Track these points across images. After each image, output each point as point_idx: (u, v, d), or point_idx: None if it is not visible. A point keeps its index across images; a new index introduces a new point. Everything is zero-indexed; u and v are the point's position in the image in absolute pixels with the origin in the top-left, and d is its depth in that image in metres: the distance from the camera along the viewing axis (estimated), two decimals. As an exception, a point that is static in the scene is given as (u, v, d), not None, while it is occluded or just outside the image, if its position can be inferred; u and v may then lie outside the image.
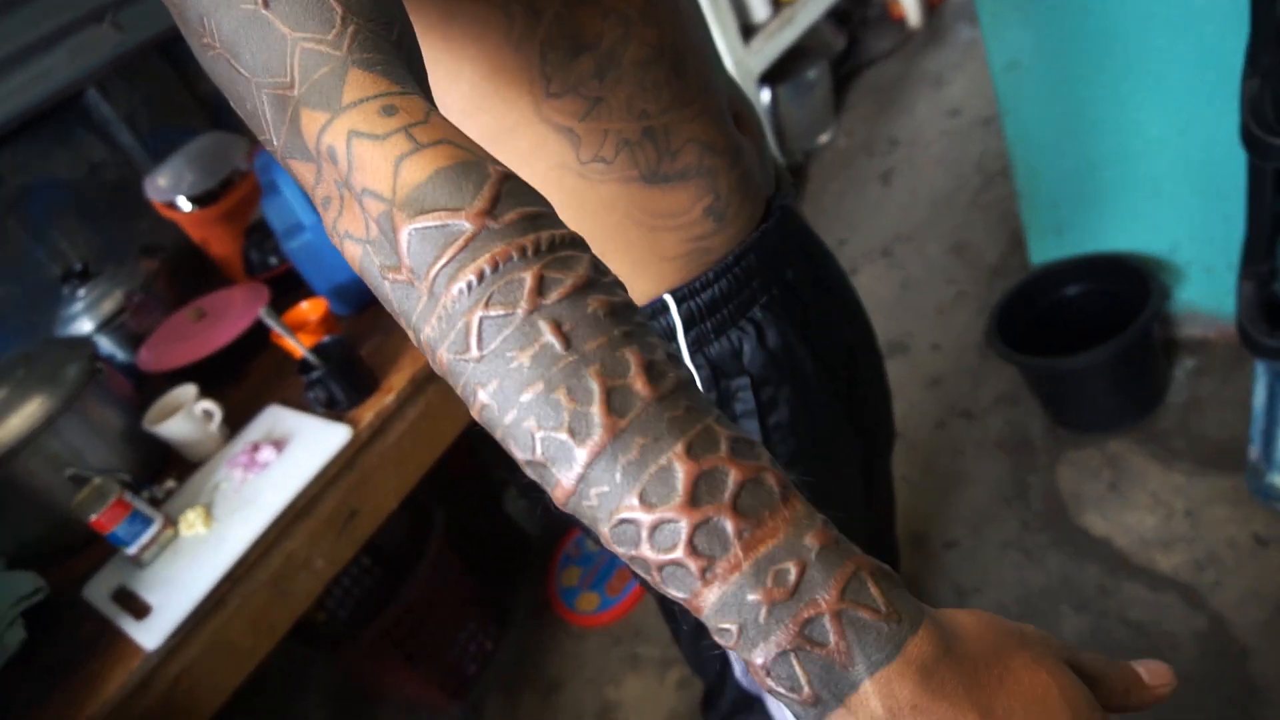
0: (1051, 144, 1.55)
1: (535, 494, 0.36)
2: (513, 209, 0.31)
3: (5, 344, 1.65)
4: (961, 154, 2.50)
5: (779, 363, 0.67)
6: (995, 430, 1.73)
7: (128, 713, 1.03)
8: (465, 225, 0.31)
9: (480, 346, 0.31)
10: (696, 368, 0.66)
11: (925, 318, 2.06)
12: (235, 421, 1.34)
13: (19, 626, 1.15)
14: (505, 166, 0.33)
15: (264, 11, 0.34)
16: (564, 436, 0.30)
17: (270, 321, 1.24)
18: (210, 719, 1.13)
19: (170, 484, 1.28)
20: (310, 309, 1.42)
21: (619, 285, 0.33)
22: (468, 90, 0.53)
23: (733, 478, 0.30)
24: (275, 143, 0.35)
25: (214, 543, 1.14)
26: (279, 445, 1.24)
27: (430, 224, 0.31)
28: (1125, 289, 1.54)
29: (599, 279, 0.32)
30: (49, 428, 1.19)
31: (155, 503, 1.23)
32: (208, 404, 1.29)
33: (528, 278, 0.30)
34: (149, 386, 1.45)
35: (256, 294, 1.49)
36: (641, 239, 0.60)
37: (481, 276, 0.31)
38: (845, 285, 0.84)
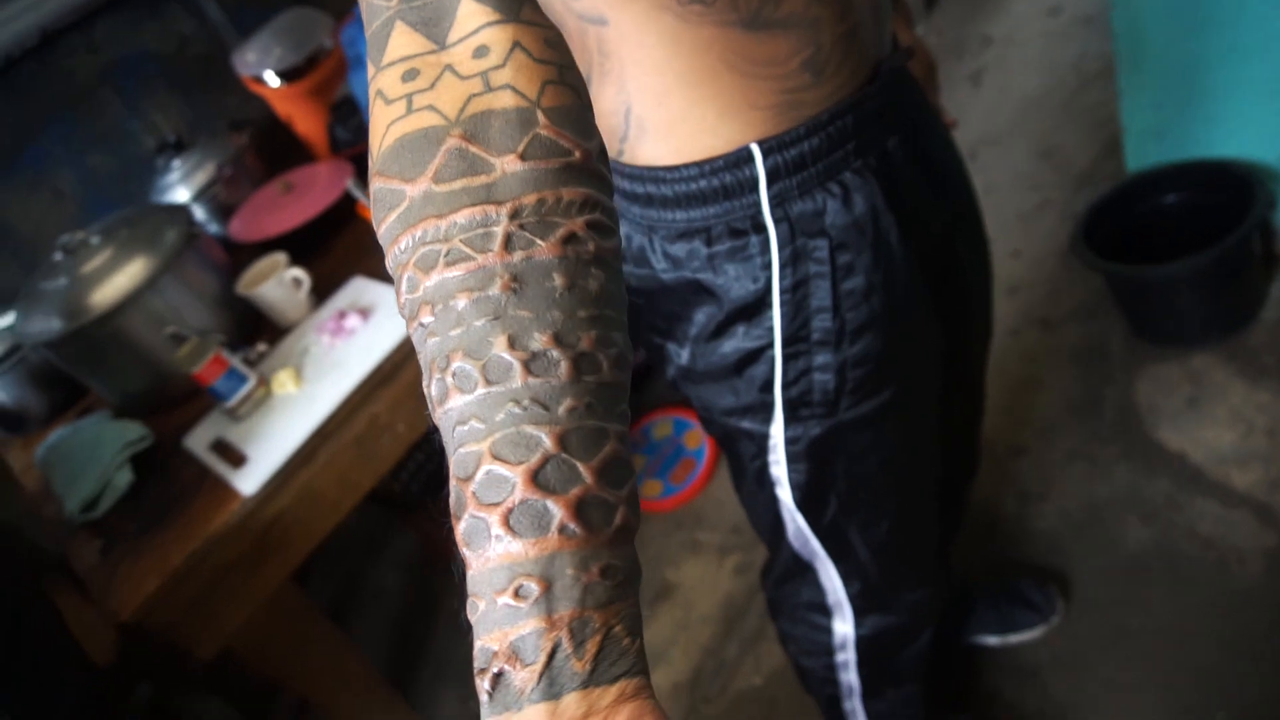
0: (1161, 39, 1.47)
1: None
2: (457, 178, 0.32)
3: (104, 214, 1.72)
4: (1059, 55, 2.38)
5: (862, 229, 0.65)
6: (1072, 340, 1.70)
7: (227, 551, 1.11)
8: (404, 190, 0.33)
9: (411, 294, 0.33)
10: (775, 221, 0.64)
11: (1006, 224, 2.00)
12: (322, 290, 1.39)
13: (127, 469, 1.24)
14: (472, 118, 0.33)
15: None
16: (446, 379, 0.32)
17: (359, 194, 1.26)
18: (300, 564, 1.21)
19: (262, 347, 1.35)
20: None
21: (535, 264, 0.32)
22: None
23: (576, 491, 0.30)
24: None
25: (304, 402, 1.20)
26: (364, 314, 1.28)
27: (382, 186, 0.34)
28: (1226, 198, 1.47)
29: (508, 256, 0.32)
30: (151, 286, 1.25)
31: (249, 363, 1.30)
32: (297, 271, 1.33)
33: (441, 249, 0.32)
34: (239, 256, 1.50)
35: (341, 170, 1.52)
36: (733, 84, 0.59)
37: (412, 240, 0.33)
38: (954, 168, 0.81)
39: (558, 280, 0.32)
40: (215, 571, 1.12)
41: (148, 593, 1.06)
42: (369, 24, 0.36)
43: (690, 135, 0.62)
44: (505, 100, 0.33)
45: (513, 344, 0.31)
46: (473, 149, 0.32)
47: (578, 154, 0.34)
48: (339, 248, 1.52)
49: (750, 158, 0.62)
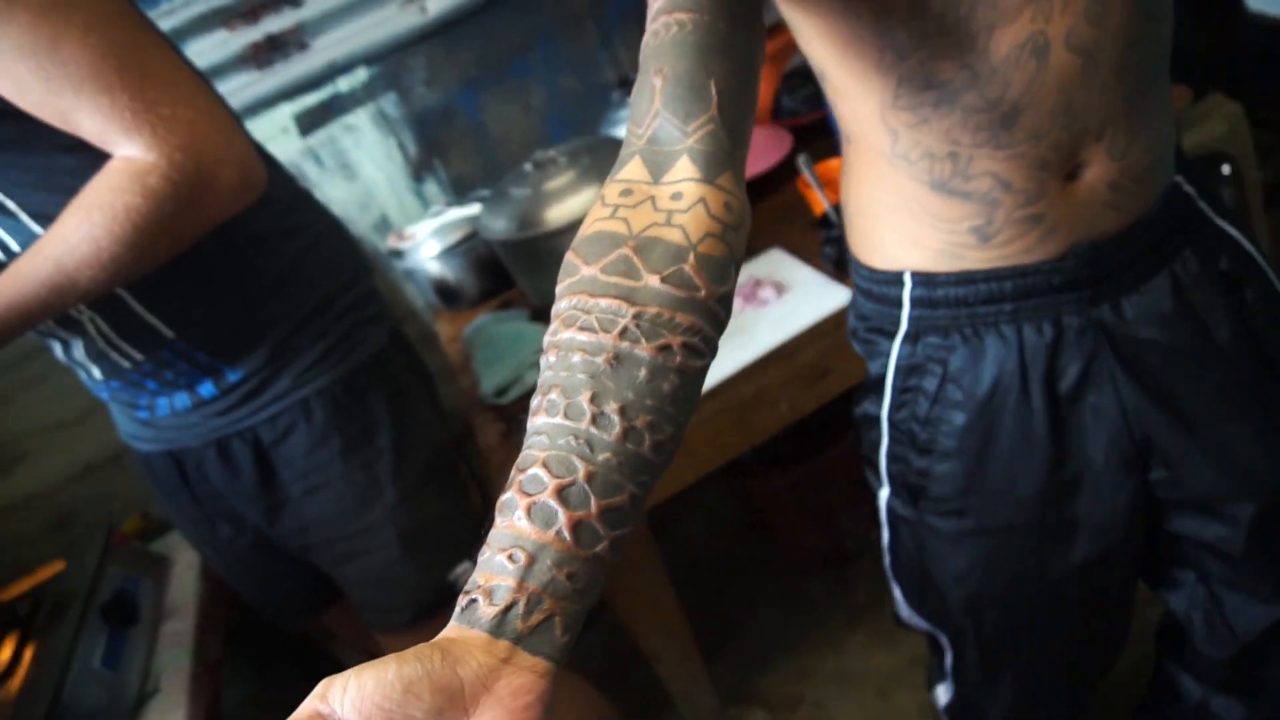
0: None
1: None
2: (615, 275, 0.44)
3: (559, 132, 1.90)
4: None
5: (978, 378, 0.74)
6: None
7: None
8: (580, 268, 0.45)
9: (551, 336, 0.45)
10: (904, 338, 0.77)
11: None
12: (739, 253, 1.42)
13: (537, 369, 1.37)
14: (645, 239, 0.45)
15: (654, 79, 0.49)
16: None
17: (805, 168, 1.27)
18: (655, 504, 1.28)
19: (672, 292, 1.42)
20: (838, 167, 1.44)
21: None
22: (838, 79, 0.69)
23: (584, 519, 0.40)
24: None
25: (707, 357, 1.24)
26: (779, 288, 1.30)
27: (571, 259, 0.46)
28: None
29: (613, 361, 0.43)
30: (601, 213, 1.36)
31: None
32: (726, 231, 1.38)
33: (581, 316, 0.44)
34: (668, 199, 1.58)
35: (780, 138, 1.54)
36: (909, 221, 0.72)
37: (570, 303, 0.45)
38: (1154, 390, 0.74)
39: (642, 373, 0.43)
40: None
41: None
42: (628, 139, 0.50)
43: (871, 245, 0.77)
44: (674, 235, 0.45)
45: (593, 400, 0.42)
46: (635, 260, 0.44)
47: (703, 293, 0.44)
48: (764, 213, 1.55)
49: (902, 282, 0.75)
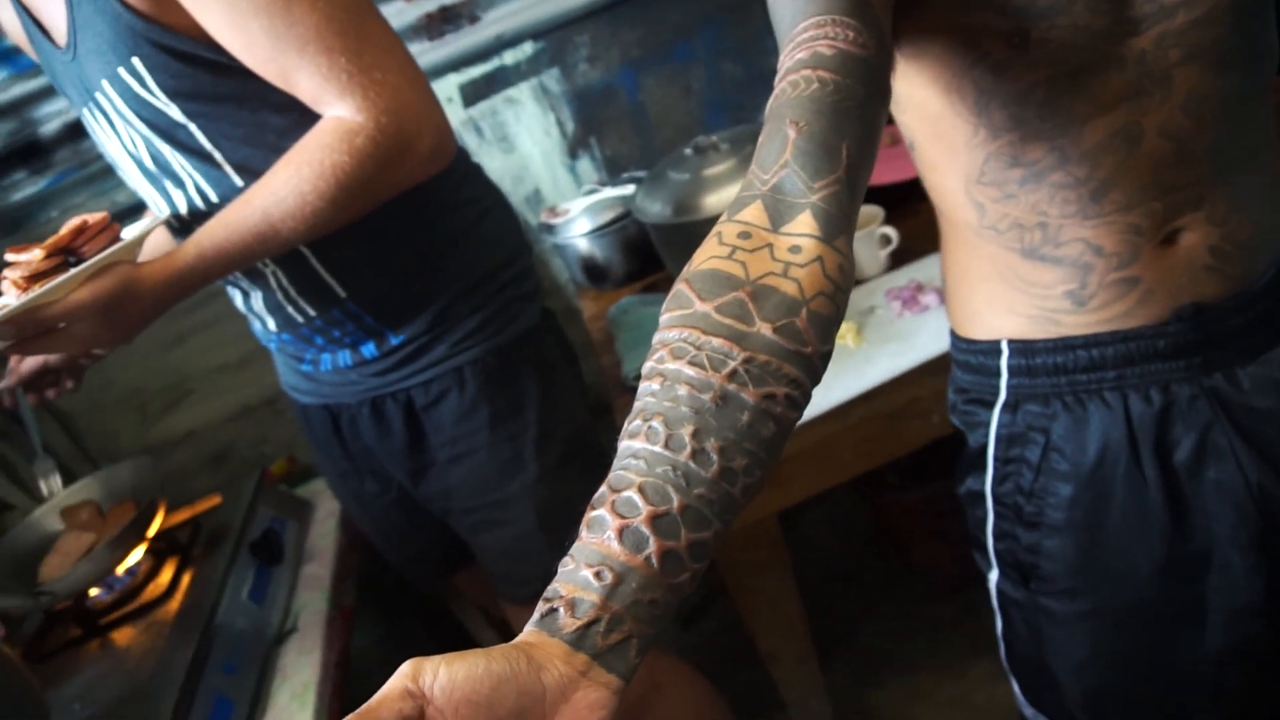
0: None
1: None
2: (729, 317, 0.45)
3: (718, 118, 1.87)
4: None
5: (1083, 447, 0.70)
6: None
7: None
8: (695, 303, 0.46)
9: (657, 364, 0.46)
10: (1004, 406, 0.75)
11: None
12: (900, 254, 1.37)
13: (680, 357, 1.35)
14: (761, 287, 0.45)
15: (788, 130, 0.49)
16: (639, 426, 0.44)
17: (982, 172, 1.20)
18: (788, 506, 1.25)
19: (825, 289, 1.37)
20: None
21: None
22: (927, 151, 0.71)
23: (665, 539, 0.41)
24: None
25: (859, 360, 1.20)
26: (942, 295, 1.24)
27: (684, 290, 0.47)
28: None
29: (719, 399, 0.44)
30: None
31: (812, 301, 1.33)
32: (889, 230, 1.32)
33: (692, 350, 0.44)
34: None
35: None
36: (1002, 289, 0.72)
37: (680, 334, 0.45)
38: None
39: (745, 416, 0.43)
40: (728, 481, 1.19)
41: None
42: (750, 181, 0.50)
43: (967, 315, 0.77)
44: (789, 288, 0.46)
45: (695, 435, 0.43)
46: (750, 306, 0.45)
47: (810, 349, 0.45)
48: (925, 215, 1.48)
49: (999, 350, 0.74)
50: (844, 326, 1.25)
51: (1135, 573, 0.73)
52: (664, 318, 0.48)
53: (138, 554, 1.29)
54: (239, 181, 0.87)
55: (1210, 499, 0.69)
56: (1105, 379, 0.70)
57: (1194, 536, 0.71)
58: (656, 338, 0.47)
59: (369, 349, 1.00)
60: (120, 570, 1.28)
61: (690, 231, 1.40)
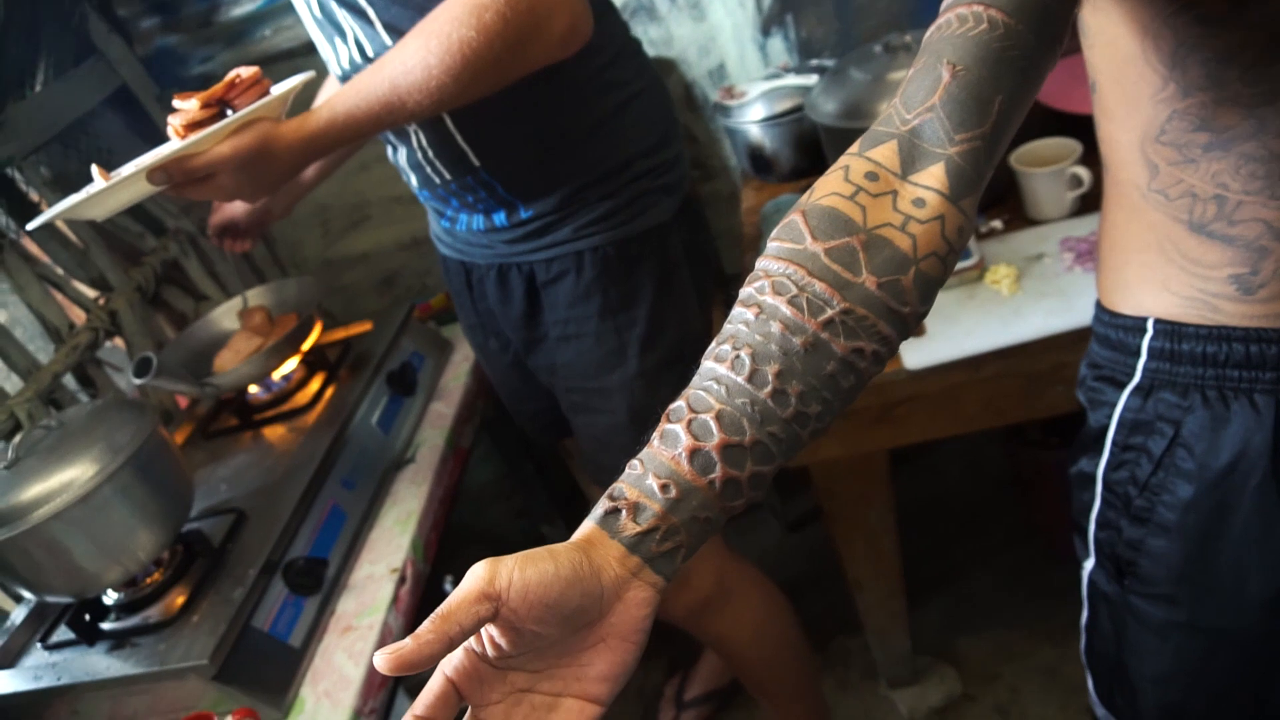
0: None
1: None
2: (837, 262, 0.45)
3: (929, 13, 1.69)
4: None
5: (1216, 450, 0.63)
6: None
7: (862, 398, 1.14)
8: (807, 240, 0.46)
9: (757, 293, 0.46)
10: (1134, 390, 0.68)
11: None
12: (1087, 199, 1.22)
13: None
14: (876, 237, 0.45)
15: (943, 71, 0.47)
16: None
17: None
18: (902, 445, 1.20)
19: (997, 224, 1.26)
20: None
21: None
22: (1108, 96, 0.64)
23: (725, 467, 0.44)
24: None
25: (1011, 309, 1.10)
26: (1124, 255, 1.10)
27: (797, 222, 0.46)
28: None
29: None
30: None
31: (978, 236, 1.22)
32: (1082, 170, 1.18)
33: (793, 290, 0.45)
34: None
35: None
36: (1160, 262, 0.64)
37: (785, 268, 0.46)
38: None
39: (830, 366, 0.44)
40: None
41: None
42: (890, 117, 0.48)
43: (1115, 286, 0.70)
44: (903, 243, 0.45)
45: (778, 375, 0.44)
46: (861, 255, 0.44)
47: (908, 309, 0.45)
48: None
49: (1143, 329, 0.67)
50: (1002, 270, 1.15)
51: (1243, 596, 0.66)
52: (772, 245, 0.47)
53: (292, 364, 1.43)
54: (388, 40, 0.88)
55: None
56: (1260, 379, 0.62)
57: None
58: (761, 264, 0.47)
59: (500, 218, 1.01)
60: (276, 376, 1.42)
61: (854, 135, 1.31)
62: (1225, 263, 0.61)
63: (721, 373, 0.45)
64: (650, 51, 1.74)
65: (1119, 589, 0.73)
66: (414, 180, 1.04)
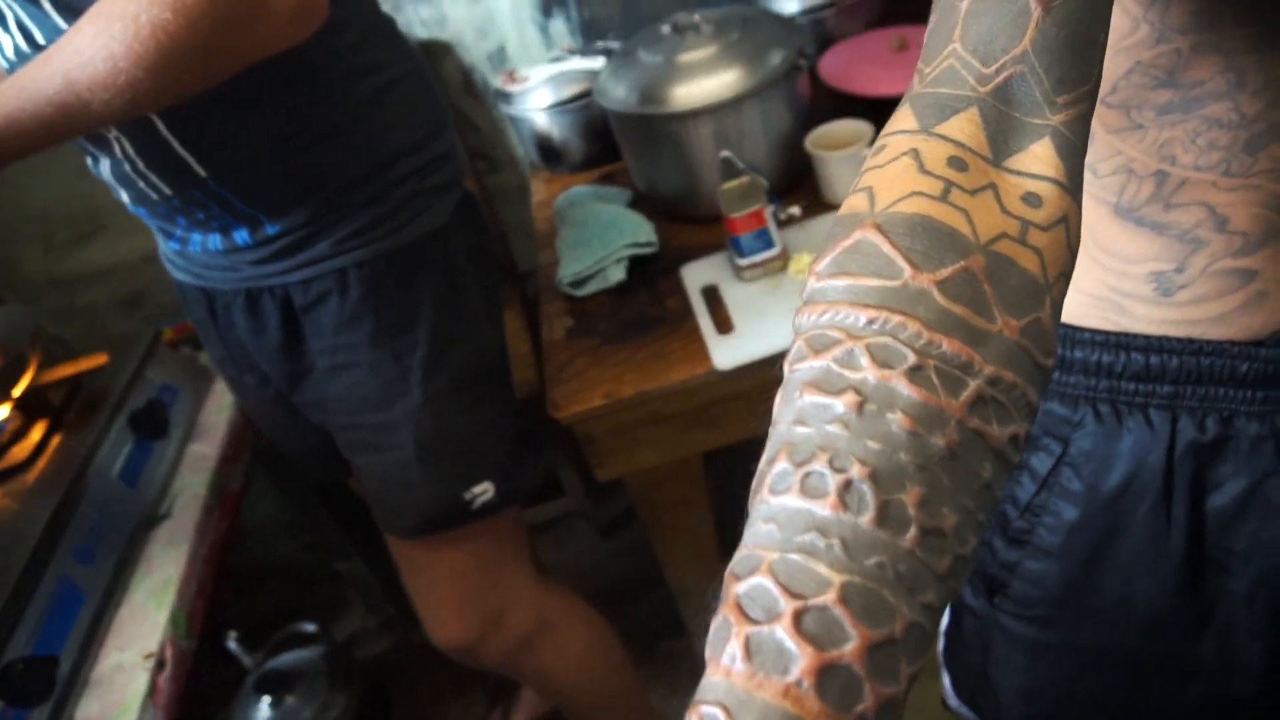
0: None
1: None
2: (959, 303, 0.29)
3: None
4: None
5: (1108, 465, 0.56)
6: None
7: (673, 405, 1.08)
8: (905, 272, 0.29)
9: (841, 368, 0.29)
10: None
11: None
12: (883, 183, 1.21)
13: (623, 268, 1.22)
14: (997, 256, 0.30)
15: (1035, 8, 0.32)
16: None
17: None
18: (718, 447, 1.15)
19: (795, 210, 1.23)
20: None
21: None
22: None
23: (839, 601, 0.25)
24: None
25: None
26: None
27: (882, 244, 0.30)
28: None
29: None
30: (734, 105, 1.16)
31: (778, 223, 1.18)
32: (874, 155, 1.16)
33: (912, 358, 0.28)
34: (815, 101, 1.35)
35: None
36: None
37: (880, 321, 0.29)
38: None
39: (987, 471, 0.29)
40: (651, 417, 1.09)
41: (591, 405, 1.05)
42: (954, 68, 0.33)
43: None
44: (1029, 262, 0.31)
45: (922, 505, 0.27)
46: (985, 288, 0.30)
47: (1050, 362, 0.31)
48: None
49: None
50: (806, 259, 1.12)
51: (1127, 619, 0.62)
52: (838, 284, 0.30)
53: (2, 411, 1.18)
54: (62, 23, 0.70)
55: (1237, 554, 0.58)
56: (1157, 393, 0.56)
57: (1204, 590, 0.60)
58: (822, 318, 0.30)
59: (241, 235, 0.85)
60: (-19, 427, 1.17)
61: (653, 127, 1.23)
62: (1149, 256, 0.53)
63: (824, 515, 0.27)
64: (422, 33, 1.59)
65: (987, 605, 0.68)
66: (125, 196, 0.86)
